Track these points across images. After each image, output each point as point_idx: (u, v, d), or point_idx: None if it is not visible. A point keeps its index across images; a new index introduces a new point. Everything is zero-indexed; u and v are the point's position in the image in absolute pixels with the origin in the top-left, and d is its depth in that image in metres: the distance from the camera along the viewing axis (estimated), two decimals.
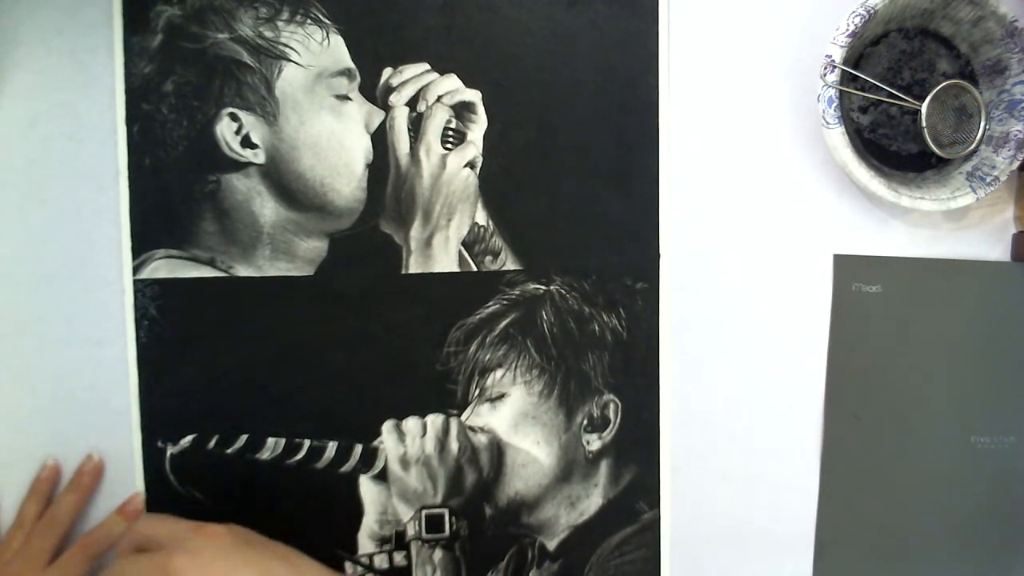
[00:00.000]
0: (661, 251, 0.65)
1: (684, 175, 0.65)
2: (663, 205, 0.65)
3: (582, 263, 0.65)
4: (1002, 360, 0.66)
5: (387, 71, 0.63)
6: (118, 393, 0.63)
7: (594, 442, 0.65)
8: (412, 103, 0.63)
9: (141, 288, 0.63)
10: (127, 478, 0.64)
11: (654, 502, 0.66)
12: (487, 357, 0.65)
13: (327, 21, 0.63)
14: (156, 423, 0.64)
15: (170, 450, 0.64)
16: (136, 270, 0.63)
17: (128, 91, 0.62)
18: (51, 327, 0.63)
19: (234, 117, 0.63)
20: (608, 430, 0.65)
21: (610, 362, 0.65)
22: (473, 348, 0.65)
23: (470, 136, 0.64)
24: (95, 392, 0.64)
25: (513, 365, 0.65)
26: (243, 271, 0.63)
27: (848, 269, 0.65)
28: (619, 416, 0.65)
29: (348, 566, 0.65)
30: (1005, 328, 0.66)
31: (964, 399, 0.66)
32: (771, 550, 0.67)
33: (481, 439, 0.65)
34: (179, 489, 0.64)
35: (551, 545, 0.66)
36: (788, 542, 0.66)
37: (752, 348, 0.66)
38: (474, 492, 0.65)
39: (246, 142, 0.63)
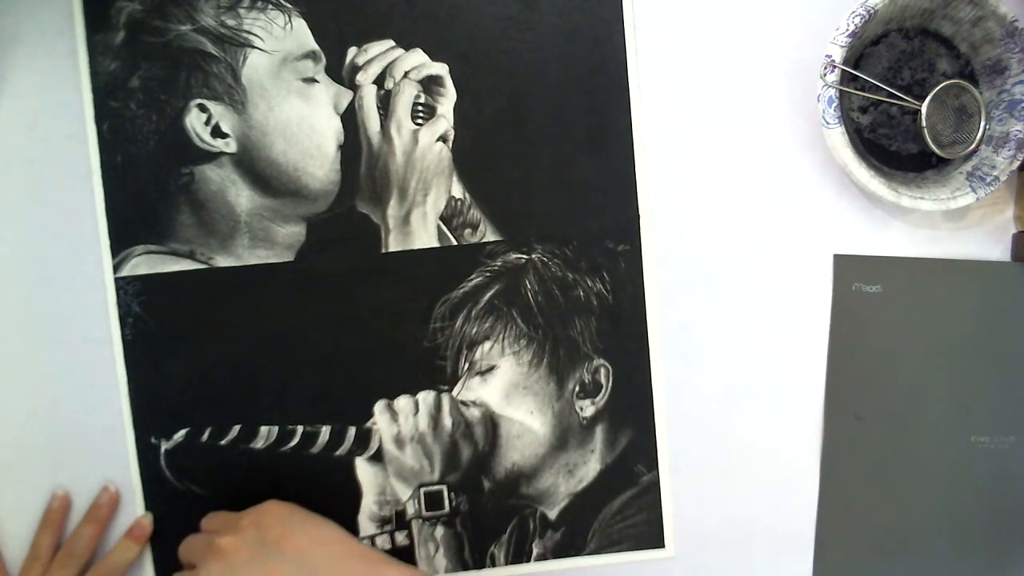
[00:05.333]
0: (640, 212, 0.64)
1: (659, 135, 0.64)
2: (639, 166, 0.64)
3: (562, 229, 0.64)
4: (1002, 360, 0.65)
5: (352, 50, 0.63)
6: (109, 392, 0.63)
7: (587, 408, 0.65)
8: (379, 81, 0.63)
9: (123, 285, 0.63)
10: (123, 476, 0.64)
11: (652, 464, 0.65)
12: (474, 330, 0.64)
13: (288, 5, 0.63)
14: (148, 420, 0.64)
15: (164, 446, 0.64)
16: (116, 268, 0.63)
17: (95, 89, 0.62)
18: (42, 327, 0.63)
19: (203, 108, 0.63)
20: (601, 395, 0.65)
21: (598, 327, 0.65)
22: (459, 322, 0.64)
23: (440, 110, 0.63)
24: (86, 392, 0.64)
25: (500, 336, 0.64)
26: (223, 261, 0.63)
27: (848, 269, 0.65)
28: (611, 380, 0.65)
29: None
30: (1005, 328, 0.65)
31: (964, 399, 0.65)
32: (771, 550, 0.66)
33: (474, 413, 0.65)
34: (176, 484, 0.64)
35: (552, 514, 0.65)
36: (788, 542, 0.66)
37: (752, 348, 0.65)
38: (471, 466, 0.65)
39: (216, 132, 0.63)
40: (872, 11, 0.58)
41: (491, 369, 0.65)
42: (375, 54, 0.63)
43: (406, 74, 0.63)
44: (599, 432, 0.65)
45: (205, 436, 0.64)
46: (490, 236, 0.64)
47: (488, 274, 0.64)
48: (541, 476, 0.65)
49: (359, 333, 0.64)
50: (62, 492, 0.63)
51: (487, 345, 0.64)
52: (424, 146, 0.63)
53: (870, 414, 0.65)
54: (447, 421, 0.65)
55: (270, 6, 0.62)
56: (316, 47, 0.63)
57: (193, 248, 0.63)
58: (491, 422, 0.65)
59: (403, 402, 0.64)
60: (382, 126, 0.63)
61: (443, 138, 0.64)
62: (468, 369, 0.65)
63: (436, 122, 0.63)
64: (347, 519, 0.64)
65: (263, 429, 0.64)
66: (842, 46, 0.59)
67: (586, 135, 0.64)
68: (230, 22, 0.62)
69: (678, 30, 0.64)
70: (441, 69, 0.63)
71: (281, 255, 0.63)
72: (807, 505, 0.66)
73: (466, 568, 0.65)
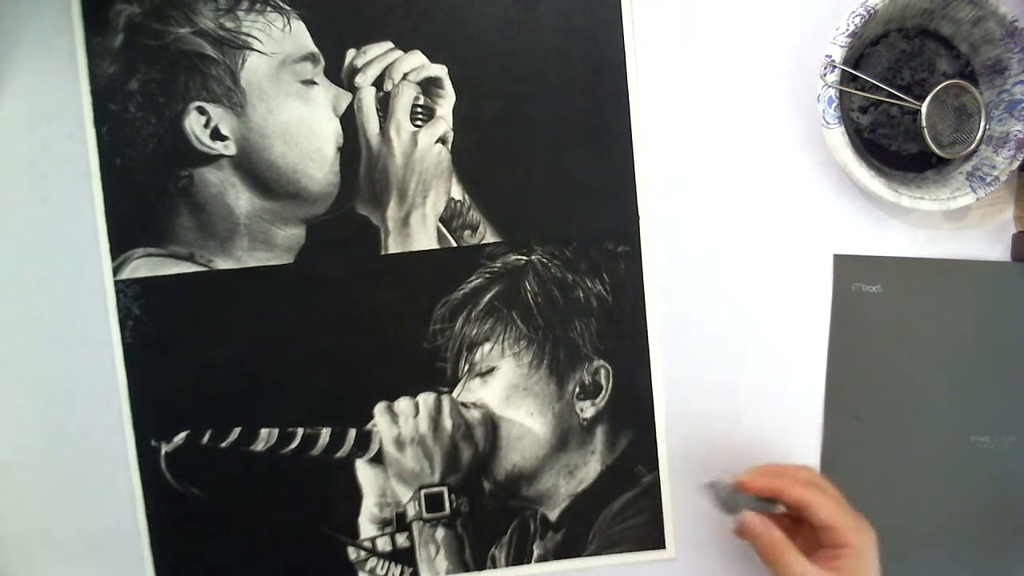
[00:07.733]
0: (640, 212, 0.64)
1: (659, 135, 0.64)
2: (638, 166, 0.64)
3: (561, 230, 0.64)
4: (1002, 360, 0.65)
5: (351, 52, 0.63)
6: (109, 394, 0.63)
7: (588, 409, 0.65)
8: (378, 83, 0.63)
9: (122, 288, 0.63)
10: (124, 478, 0.64)
11: (652, 465, 0.65)
12: (474, 332, 0.64)
13: (287, 7, 0.62)
14: (148, 422, 0.64)
15: (164, 448, 0.64)
16: (116, 271, 0.63)
17: (94, 92, 0.62)
18: (42, 330, 0.63)
19: (202, 111, 0.63)
20: (601, 396, 0.65)
21: (597, 328, 0.65)
22: (459, 324, 0.64)
23: (439, 111, 0.63)
24: (86, 394, 0.64)
25: (500, 338, 0.64)
26: (222, 264, 0.63)
27: (848, 269, 0.65)
28: (611, 381, 0.65)
29: (351, 551, 0.65)
30: (1005, 328, 0.65)
31: (964, 399, 0.65)
32: None
33: (474, 414, 0.65)
34: (176, 487, 0.64)
35: (553, 515, 0.65)
36: None
37: (752, 349, 0.65)
38: (471, 468, 0.65)
39: (216, 134, 0.63)
40: (872, 11, 0.58)
41: (491, 371, 0.65)
42: (374, 56, 0.63)
43: (405, 76, 0.63)
44: (599, 433, 0.65)
45: (205, 438, 0.64)
46: (490, 237, 0.64)
47: (488, 275, 0.64)
48: (541, 477, 0.65)
49: (359, 335, 0.64)
50: None
51: (487, 347, 0.64)
52: (423, 148, 0.63)
53: (870, 414, 0.65)
54: (447, 423, 0.64)
55: (269, 8, 0.62)
56: (315, 49, 0.63)
57: (193, 251, 0.63)
58: (491, 423, 0.65)
59: (403, 404, 0.64)
60: (381, 128, 0.63)
61: (442, 140, 0.64)
62: (468, 371, 0.65)
63: (435, 124, 0.63)
64: (348, 522, 0.64)
65: (263, 431, 0.64)
66: (842, 46, 0.59)
67: (585, 136, 0.64)
68: (229, 24, 0.62)
69: (677, 30, 0.64)
70: (440, 71, 0.63)
71: (281, 257, 0.63)
72: None
73: (467, 570, 0.65)
